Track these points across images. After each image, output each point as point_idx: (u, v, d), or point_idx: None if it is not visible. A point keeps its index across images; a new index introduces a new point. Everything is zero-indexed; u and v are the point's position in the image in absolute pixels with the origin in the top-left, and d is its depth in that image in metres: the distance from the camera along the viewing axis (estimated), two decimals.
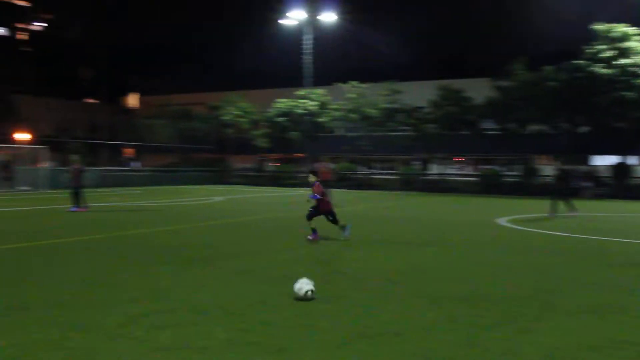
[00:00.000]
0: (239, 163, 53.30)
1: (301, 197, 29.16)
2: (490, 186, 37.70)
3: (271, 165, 52.46)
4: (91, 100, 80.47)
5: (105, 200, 26.01)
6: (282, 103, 46.52)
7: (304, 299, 7.21)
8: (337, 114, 45.01)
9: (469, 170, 46.81)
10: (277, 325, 6.22)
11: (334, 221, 13.04)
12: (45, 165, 36.58)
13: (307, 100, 45.66)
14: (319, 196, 12.73)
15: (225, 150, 51.99)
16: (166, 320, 6.36)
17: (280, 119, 46.18)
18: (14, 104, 52.49)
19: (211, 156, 52.16)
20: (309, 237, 12.63)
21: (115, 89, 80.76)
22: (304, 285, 7.28)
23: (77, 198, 20.21)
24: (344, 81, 44.06)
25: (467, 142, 42.07)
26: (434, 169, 44.78)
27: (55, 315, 6.51)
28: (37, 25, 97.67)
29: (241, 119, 48.67)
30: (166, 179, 43.82)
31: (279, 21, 49.29)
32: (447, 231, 15.77)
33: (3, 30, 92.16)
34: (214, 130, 50.64)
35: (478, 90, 38.71)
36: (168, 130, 51.01)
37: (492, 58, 46.41)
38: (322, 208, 12.86)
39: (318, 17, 46.97)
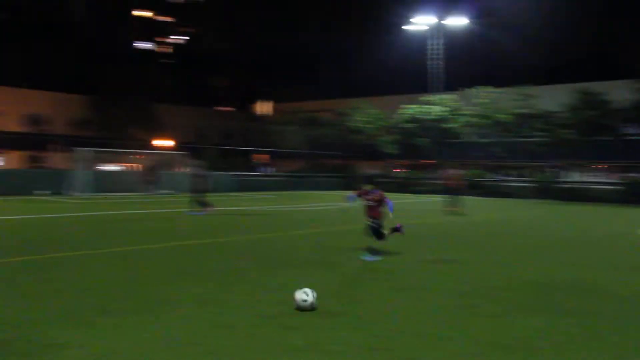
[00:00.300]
0: (367, 169, 53.56)
1: (434, 204, 28.79)
2: (635, 195, 35.16)
3: (397, 172, 52.18)
4: (225, 108, 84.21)
5: (236, 204, 27.05)
6: (410, 109, 46.21)
7: (304, 309, 6.94)
8: (467, 119, 44.03)
9: (610, 178, 44.00)
10: (409, 333, 6.14)
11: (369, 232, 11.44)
12: (185, 170, 38.61)
13: (436, 105, 45.08)
14: (389, 201, 11.57)
15: (354, 156, 52.46)
16: (296, 322, 6.47)
17: (408, 125, 45.89)
18: (155, 112, 56.14)
19: (340, 162, 52.81)
20: (397, 230, 12.09)
21: (248, 97, 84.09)
22: (302, 295, 6.99)
23: (199, 203, 20.99)
24: (474, 86, 43.06)
25: (607, 148, 39.63)
26: (571, 177, 42.54)
27: (196, 313, 6.82)
28: (176, 39, 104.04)
29: (369, 125, 48.89)
30: (296, 184, 44.80)
31: (404, 27, 49.24)
32: (585, 241, 14.87)
33: (148, 45, 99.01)
34: (342, 137, 51.22)
35: (620, 93, 36.39)
36: (298, 136, 52.21)
37: (636, 58, 43.41)
38: (370, 214, 11.42)
39: (445, 22, 46.36)
